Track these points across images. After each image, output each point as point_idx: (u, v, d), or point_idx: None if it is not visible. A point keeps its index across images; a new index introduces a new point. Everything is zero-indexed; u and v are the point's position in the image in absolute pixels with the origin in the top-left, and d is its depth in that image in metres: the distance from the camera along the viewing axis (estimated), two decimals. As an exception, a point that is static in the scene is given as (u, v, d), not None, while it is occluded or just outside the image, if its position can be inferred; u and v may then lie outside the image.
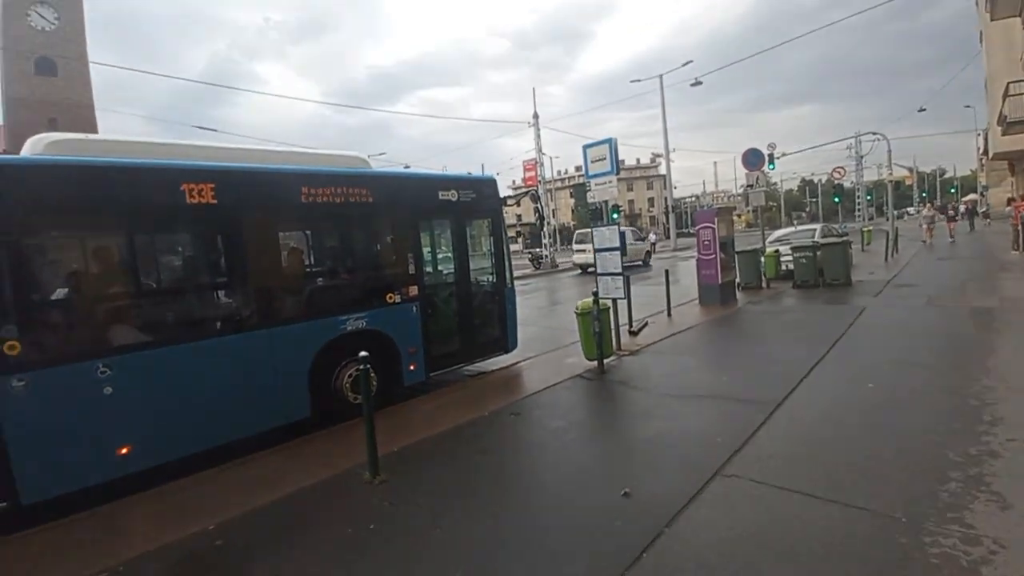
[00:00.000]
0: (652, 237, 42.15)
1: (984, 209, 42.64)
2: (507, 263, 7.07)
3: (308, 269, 5.83)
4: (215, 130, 42.80)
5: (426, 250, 6.62)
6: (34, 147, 4.27)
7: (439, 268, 6.99)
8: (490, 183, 7.09)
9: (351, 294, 5.66)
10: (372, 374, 4.85)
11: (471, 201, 6.63)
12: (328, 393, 5.30)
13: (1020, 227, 15.14)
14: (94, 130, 44.98)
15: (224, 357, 4.59)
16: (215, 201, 4.53)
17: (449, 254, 6.89)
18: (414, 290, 5.99)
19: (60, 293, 4.12)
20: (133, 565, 3.10)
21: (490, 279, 7.10)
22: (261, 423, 4.85)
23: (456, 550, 2.99)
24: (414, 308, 5.98)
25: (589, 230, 16.73)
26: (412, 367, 5.96)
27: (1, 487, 3.55)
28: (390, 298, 5.80)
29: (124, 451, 4.04)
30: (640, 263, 24.61)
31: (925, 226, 23.87)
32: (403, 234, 6.05)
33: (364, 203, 5.60)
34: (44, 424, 3.71)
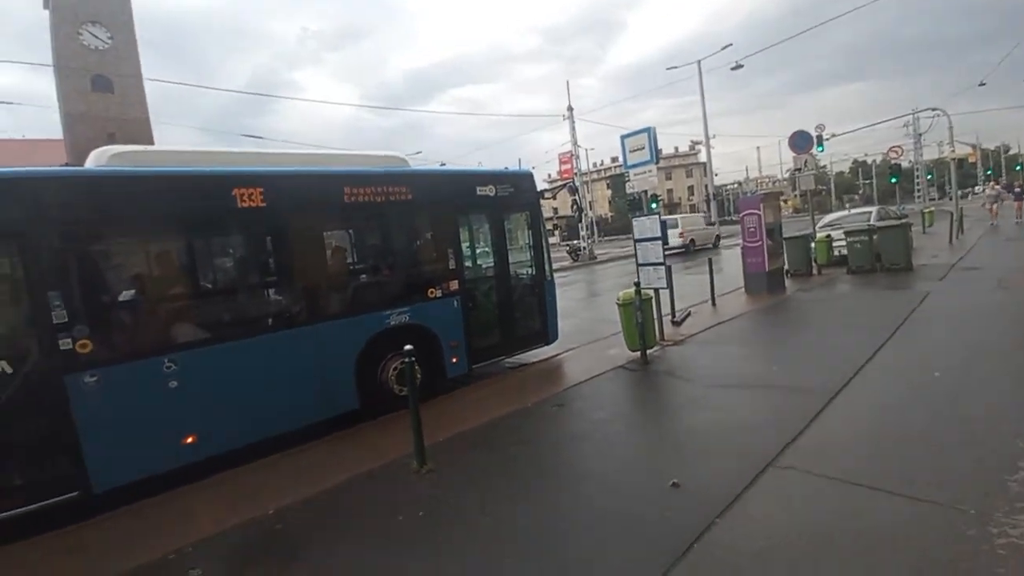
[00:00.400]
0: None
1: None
2: (546, 256, 7.14)
3: (352, 266, 6.05)
4: (261, 137, 44.47)
5: (465, 245, 6.72)
6: (98, 159, 4.57)
7: (479, 262, 7.10)
8: (527, 177, 7.17)
9: (393, 290, 5.80)
10: (416, 367, 4.83)
11: (509, 195, 6.73)
12: (375, 385, 5.49)
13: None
14: (151, 143, 47.53)
15: (275, 352, 4.81)
16: (264, 204, 4.77)
17: (488, 248, 6.99)
18: (455, 284, 6.12)
19: (127, 295, 4.40)
20: (200, 547, 3.30)
21: (529, 272, 7.17)
22: (312, 415, 5.06)
23: (504, 537, 3.04)
24: (455, 302, 6.11)
25: (675, 216, 17.06)
26: (455, 360, 6.10)
27: (75, 477, 3.83)
28: (431, 293, 5.94)
29: (189, 440, 4.31)
30: (710, 246, 25.51)
31: (990, 205, 22.20)
32: (442, 230, 6.19)
33: (404, 201, 5.77)
34: (115, 417, 3.97)
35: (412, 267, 6.16)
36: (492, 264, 6.88)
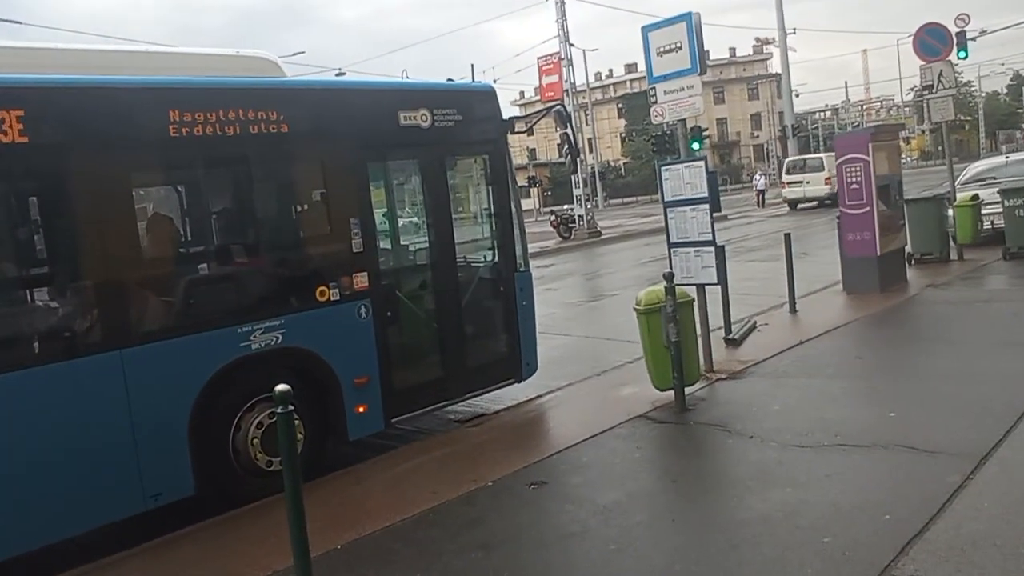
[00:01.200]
0: (760, 180, 42.11)
1: None
2: (518, 230, 7.13)
3: (183, 250, 5.86)
4: (19, 23, 43.11)
5: (381, 212, 6.69)
6: None
7: (404, 242, 7.07)
8: (485, 95, 7.17)
9: (256, 289, 5.77)
10: (297, 422, 4.92)
11: (454, 127, 6.71)
12: (222, 456, 5.36)
13: None
14: None
15: (43, 398, 4.51)
16: (26, 138, 4.47)
17: (420, 219, 6.94)
18: (362, 279, 6.05)
19: None
20: None
21: (489, 258, 7.21)
22: (109, 510, 4.86)
23: None
24: (363, 309, 6.05)
25: (801, 157, 16.99)
26: (361, 409, 6.01)
27: None
28: (322, 293, 5.84)
29: None
30: (828, 201, 26.55)
31: None
32: (341, 186, 6.10)
33: (274, 134, 5.63)
34: None
35: (288, 250, 6.16)
36: (426, 245, 6.86)
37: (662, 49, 7.83)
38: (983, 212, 13.74)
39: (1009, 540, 3.86)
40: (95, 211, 4.88)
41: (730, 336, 8.49)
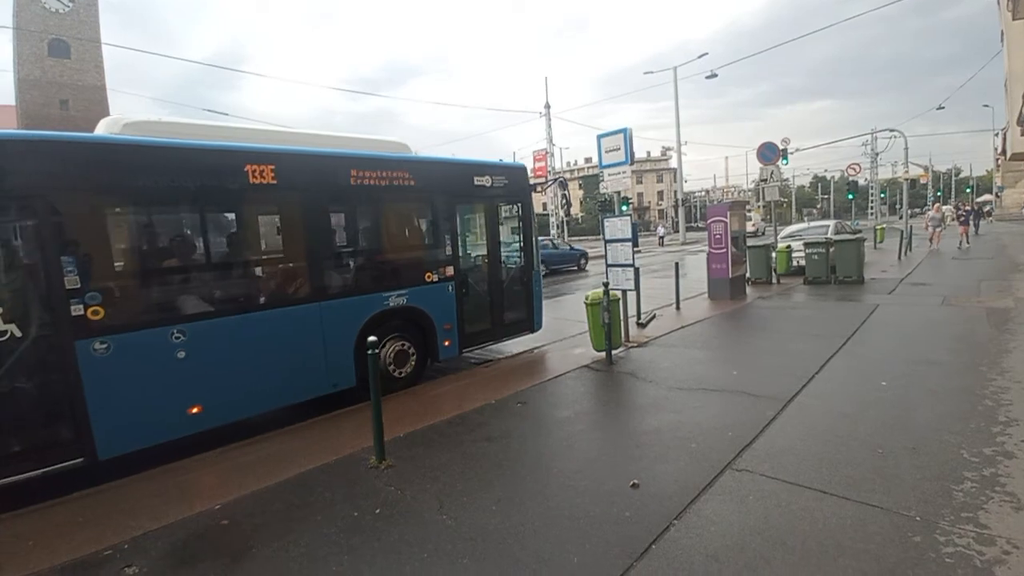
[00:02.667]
0: (661, 230, 42.00)
1: (988, 208, 41.97)
2: (535, 247, 7.52)
3: (356, 248, 6.03)
4: (225, 114, 42.93)
5: (460, 233, 6.88)
6: (110, 127, 4.57)
7: (473, 250, 7.26)
8: (521, 170, 7.50)
9: (394, 272, 6.01)
10: (411, 349, 5.97)
11: (503, 187, 7.04)
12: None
13: (1038, 228, 14.86)
14: (105, 111, 45.29)
15: (281, 327, 4.95)
16: (275, 181, 4.90)
17: (482, 237, 7.19)
18: (450, 270, 6.44)
19: (138, 263, 4.40)
20: (138, 543, 3.11)
21: (519, 262, 7.48)
22: (313, 390, 5.24)
23: (462, 537, 2.97)
24: (450, 287, 6.42)
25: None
26: (447, 343, 6.39)
27: (81, 444, 3.86)
28: (428, 277, 6.24)
29: (194, 411, 4.39)
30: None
31: (932, 229, 19.69)
32: (441, 216, 6.48)
33: (406, 186, 6.01)
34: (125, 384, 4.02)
35: (412, 251, 6.43)
36: (485, 252, 7.11)
37: (608, 148, 7.80)
38: (793, 254, 13.71)
39: (801, 449, 3.84)
40: (312, 225, 5.31)
41: (640, 321, 8.44)
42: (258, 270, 5.18)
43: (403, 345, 5.92)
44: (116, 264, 4.23)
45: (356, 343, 5.43)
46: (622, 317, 7.38)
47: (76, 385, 3.80)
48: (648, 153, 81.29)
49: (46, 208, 3.72)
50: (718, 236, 10.88)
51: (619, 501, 3.22)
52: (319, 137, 5.93)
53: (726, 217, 10.84)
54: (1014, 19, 16.51)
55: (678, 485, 3.37)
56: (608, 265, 7.52)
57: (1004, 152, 32.42)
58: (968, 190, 51.98)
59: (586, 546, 2.80)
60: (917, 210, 58.33)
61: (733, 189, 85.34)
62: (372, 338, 3.88)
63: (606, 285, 6.59)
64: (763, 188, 14.67)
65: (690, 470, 3.57)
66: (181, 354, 4.26)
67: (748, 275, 12.37)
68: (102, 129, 4.63)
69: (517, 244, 7.44)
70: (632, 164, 7.73)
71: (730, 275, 10.80)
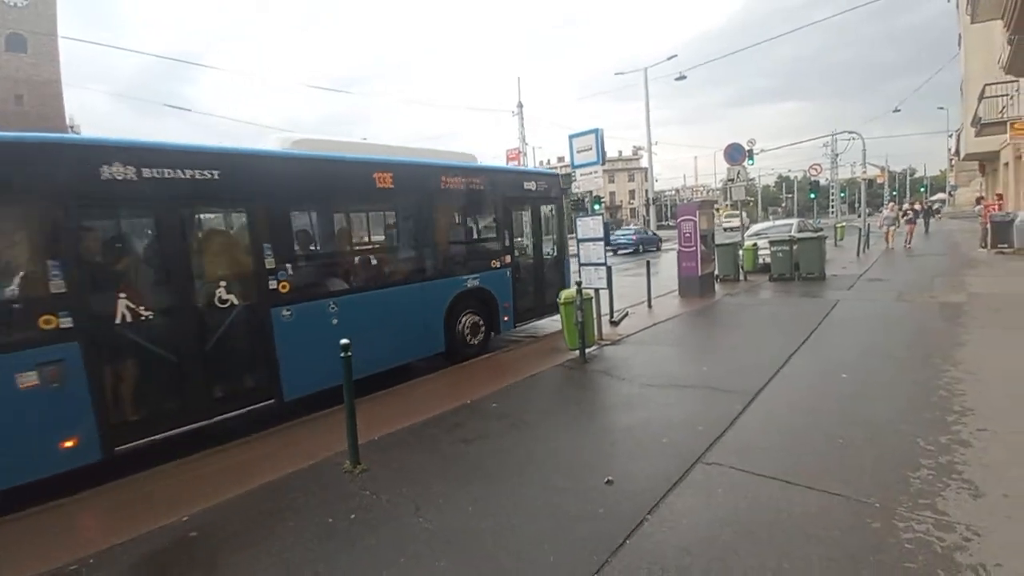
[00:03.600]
0: (631, 228, 42.40)
1: (937, 207, 43.87)
2: (565, 240, 8.90)
3: (444, 239, 7.09)
4: (188, 109, 41.62)
5: (514, 227, 8.07)
6: (283, 143, 5.68)
7: (521, 242, 8.47)
8: (556, 177, 9.00)
9: (470, 260, 7.26)
10: (481, 323, 7.33)
11: (544, 190, 8.42)
12: (454, 334, 6.94)
13: (988, 225, 15.59)
14: (61, 106, 43.40)
15: (397, 301, 6.22)
16: (392, 186, 6.15)
17: (527, 231, 8.51)
18: (508, 258, 7.74)
19: (300, 251, 5.50)
20: (101, 558, 3.00)
21: (553, 251, 8.80)
22: (420, 352, 6.58)
23: (440, 539, 2.96)
24: (507, 272, 7.72)
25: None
26: (505, 319, 7.69)
27: (272, 389, 4.96)
28: (493, 264, 7.52)
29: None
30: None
31: (885, 228, 19.53)
32: (501, 213, 7.71)
33: (478, 189, 7.31)
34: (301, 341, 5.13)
35: (483, 242, 7.65)
36: (530, 244, 8.50)
37: (580, 148, 7.85)
38: (759, 252, 14.08)
39: (767, 442, 3.95)
40: (417, 221, 6.67)
41: (612, 319, 8.53)
42: (384, 256, 6.55)
43: (476, 319, 7.26)
44: (296, 251, 5.39)
45: (444, 317, 6.76)
46: (595, 315, 7.46)
47: (270, 342, 4.94)
48: (620, 152, 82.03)
49: (255, 209, 4.92)
50: (688, 235, 11.08)
51: (594, 498, 3.26)
52: (410, 150, 7.12)
53: (695, 216, 11.05)
54: (972, 22, 17.24)
55: (651, 480, 3.43)
56: (581, 264, 7.59)
57: (958, 152, 33.92)
58: (922, 189, 54.14)
59: (562, 544, 2.83)
60: (874, 210, 60.81)
61: (702, 188, 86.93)
62: (344, 340, 3.81)
63: (579, 284, 6.65)
64: (730, 188, 15.04)
65: (662, 465, 3.64)
66: (335, 321, 5.43)
67: (716, 272, 12.63)
68: (275, 145, 5.65)
69: (553, 236, 8.76)
70: (604, 164, 7.81)
71: (699, 273, 11.02)
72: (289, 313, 5.03)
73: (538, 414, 4.91)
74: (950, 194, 54.42)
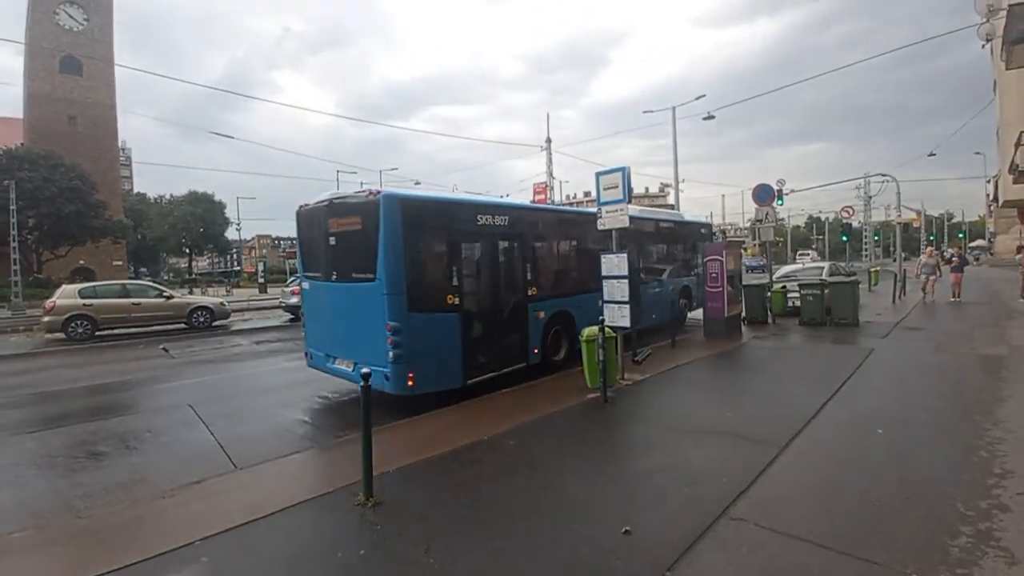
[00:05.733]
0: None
1: (976, 254, 42.37)
2: (701, 269, 12.35)
3: (662, 264, 12.05)
4: (232, 137, 43.67)
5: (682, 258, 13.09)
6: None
7: (680, 270, 12.96)
8: (705, 224, 14.72)
9: (682, 270, 12.74)
10: (688, 303, 12.98)
11: (698, 233, 14.02)
12: (679, 310, 12.37)
13: (1029, 275, 15.02)
14: (114, 130, 45.79)
15: (653, 291, 11.11)
16: (632, 228, 8.28)
17: (684, 261, 13.22)
18: (695, 272, 13.14)
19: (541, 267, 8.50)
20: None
21: (695, 279, 13.06)
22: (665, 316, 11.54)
23: (449, 581, 2.90)
24: (695, 280, 12.99)
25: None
26: (694, 304, 13.16)
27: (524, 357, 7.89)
28: (691, 273, 13.24)
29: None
30: None
31: (924, 277, 16.87)
32: (691, 244, 13.37)
33: (679, 231, 13.00)
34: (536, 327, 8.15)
35: (685, 261, 13.12)
36: (691, 271, 13.26)
37: (606, 186, 7.88)
38: (788, 295, 13.82)
39: (797, 497, 3.79)
40: (645, 249, 11.19)
41: (636, 358, 8.42)
42: (648, 267, 11.64)
43: (686, 301, 12.30)
44: (540, 267, 8.36)
45: (679, 298, 12.25)
46: (618, 354, 7.36)
47: (525, 327, 7.82)
48: (647, 189, 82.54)
49: (519, 242, 7.95)
50: (714, 275, 10.95)
51: (611, 548, 3.16)
52: (644, 210, 12.46)
53: (722, 256, 10.93)
54: (1007, 68, 17.01)
55: (671, 534, 3.31)
56: (604, 301, 7.54)
57: (996, 199, 33.02)
58: (961, 235, 52.81)
59: (576, 596, 2.74)
60: (910, 254, 59.31)
61: (729, 227, 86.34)
62: (365, 370, 3.86)
63: (602, 322, 6.60)
64: (759, 228, 14.87)
65: (684, 517, 3.51)
66: (541, 315, 8.11)
67: (744, 314, 12.41)
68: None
69: (695, 269, 13.04)
70: (630, 202, 7.83)
71: (726, 314, 10.83)
72: (537, 311, 8.03)
73: (556, 454, 4.82)
74: (989, 241, 52.76)
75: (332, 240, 6.75)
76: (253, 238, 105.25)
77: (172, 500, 4.08)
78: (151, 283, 19.63)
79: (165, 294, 16.27)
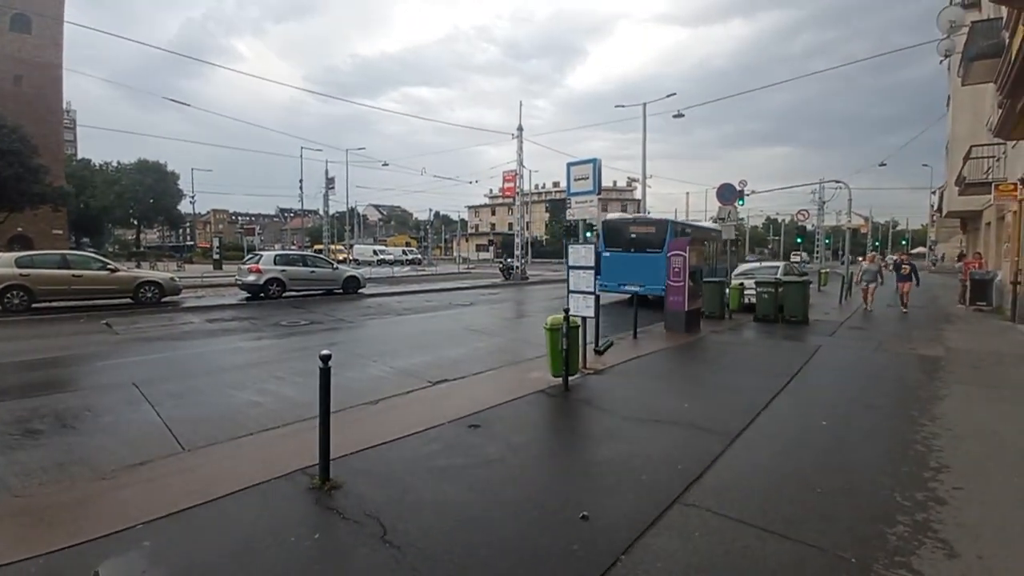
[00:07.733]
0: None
1: (933, 259, 45.02)
2: (728, 266, 16.56)
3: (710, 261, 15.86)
4: (188, 104, 41.55)
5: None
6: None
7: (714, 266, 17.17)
8: (721, 231, 16.31)
9: (719, 265, 16.89)
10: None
11: (720, 234, 16.37)
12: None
13: (968, 282, 15.99)
14: (60, 91, 42.83)
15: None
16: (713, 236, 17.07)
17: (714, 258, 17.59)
18: (726, 267, 17.08)
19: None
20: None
21: (723, 274, 15.92)
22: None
23: (407, 566, 2.86)
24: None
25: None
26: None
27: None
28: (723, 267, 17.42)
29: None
30: None
31: (865, 284, 15.83)
32: (720, 245, 17.11)
33: (714, 237, 18.08)
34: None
35: (719, 259, 17.85)
36: (719, 267, 17.24)
37: (577, 176, 7.91)
38: (745, 292, 14.29)
39: (746, 486, 3.91)
40: (699, 252, 12.20)
41: (597, 348, 8.53)
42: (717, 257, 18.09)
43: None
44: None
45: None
46: (580, 344, 7.43)
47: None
48: (615, 183, 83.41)
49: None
50: (677, 269, 11.17)
51: (568, 534, 3.18)
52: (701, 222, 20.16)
53: (685, 252, 11.16)
54: (963, 84, 17.89)
55: (627, 519, 3.36)
56: (569, 291, 7.58)
57: (940, 209, 34.93)
58: (904, 242, 55.72)
59: (532, 580, 2.74)
60: (858, 258, 62.20)
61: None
62: (324, 351, 3.74)
63: (566, 311, 6.63)
64: (720, 226, 15.29)
65: (639, 503, 3.57)
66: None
67: (703, 309, 12.73)
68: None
69: (723, 261, 17.27)
70: (599, 194, 7.88)
71: (686, 308, 11.08)
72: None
73: (516, 440, 4.81)
74: (931, 248, 55.96)
75: (632, 235, 15.73)
76: (208, 212, 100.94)
77: (114, 481, 3.88)
78: (94, 254, 18.48)
79: (109, 266, 15.35)
